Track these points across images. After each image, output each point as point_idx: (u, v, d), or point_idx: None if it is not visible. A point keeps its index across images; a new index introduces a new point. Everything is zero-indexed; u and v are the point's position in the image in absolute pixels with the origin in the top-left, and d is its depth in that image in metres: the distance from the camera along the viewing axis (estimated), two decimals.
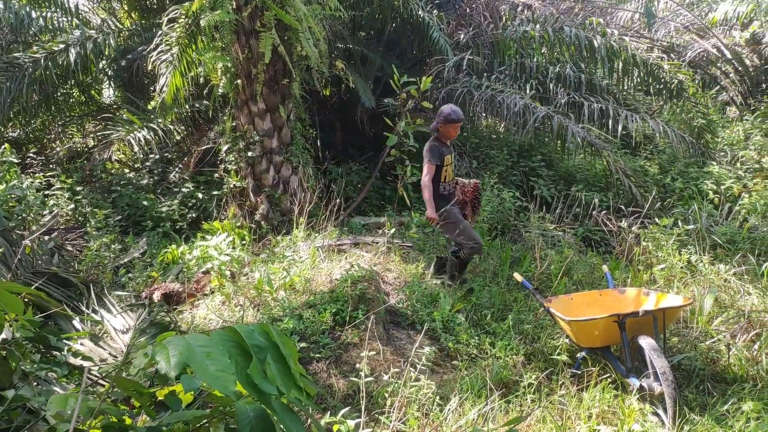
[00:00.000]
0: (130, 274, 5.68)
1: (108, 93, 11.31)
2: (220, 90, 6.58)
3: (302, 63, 6.73)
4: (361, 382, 2.72)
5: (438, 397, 3.01)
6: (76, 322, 4.11)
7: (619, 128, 7.79)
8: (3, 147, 7.32)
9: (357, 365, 3.21)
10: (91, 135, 10.73)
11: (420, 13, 8.72)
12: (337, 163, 8.94)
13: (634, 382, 3.33)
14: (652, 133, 8.99)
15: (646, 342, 3.22)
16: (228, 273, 4.62)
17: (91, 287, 4.70)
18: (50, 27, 8.76)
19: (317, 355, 3.43)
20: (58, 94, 9.52)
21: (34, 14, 8.81)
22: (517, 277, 4.18)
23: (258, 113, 6.68)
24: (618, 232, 6.38)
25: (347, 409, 2.63)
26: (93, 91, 10.73)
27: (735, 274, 4.95)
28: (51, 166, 8.67)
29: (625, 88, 10.05)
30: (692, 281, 4.95)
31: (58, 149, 10.20)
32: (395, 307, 4.15)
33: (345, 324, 3.68)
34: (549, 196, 7.65)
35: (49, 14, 8.78)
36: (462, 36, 9.13)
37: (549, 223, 6.75)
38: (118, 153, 10.43)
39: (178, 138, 9.19)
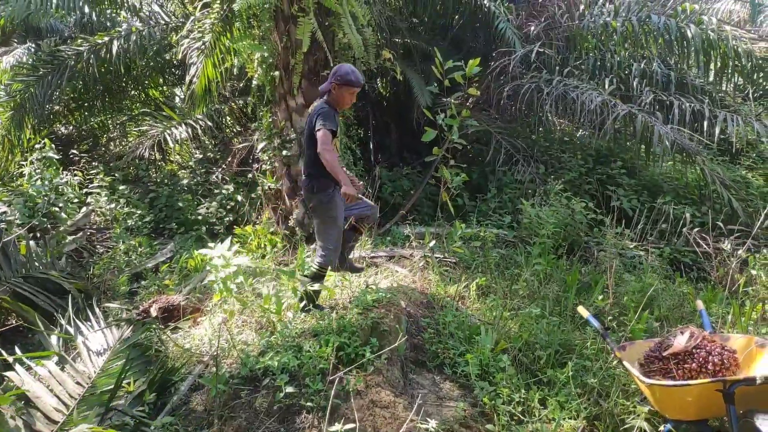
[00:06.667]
0: (144, 282, 5.18)
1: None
2: (254, 82, 5.99)
3: (345, 53, 6.05)
4: None
5: None
6: (56, 338, 3.58)
7: (716, 131, 6.57)
8: (43, 142, 7.10)
9: (357, 421, 2.43)
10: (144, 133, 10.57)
11: (486, 2, 7.87)
12: (389, 167, 8.20)
13: None
14: (757, 138, 7.68)
15: (767, 424, 2.23)
16: (233, 287, 3.95)
17: (86, 297, 4.19)
18: (103, 22, 8.60)
19: (308, 403, 2.67)
20: (114, 88, 9.34)
21: (87, 9, 8.66)
22: (582, 312, 3.26)
23: (296, 108, 6.05)
24: (715, 254, 5.24)
25: None
26: (151, 90, 10.55)
27: None
28: (94, 164, 8.43)
29: (724, 88, 8.71)
30: None
31: (112, 147, 10.08)
32: (422, 341, 3.33)
33: (351, 362, 2.89)
34: (630, 208, 6.54)
35: (103, 11, 8.63)
36: (533, 28, 8.16)
37: (628, 241, 5.68)
38: (173, 153, 10.22)
39: (230, 135, 8.79)
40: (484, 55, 8.68)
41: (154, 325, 3.68)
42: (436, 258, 4.52)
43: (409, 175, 7.94)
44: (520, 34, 7.92)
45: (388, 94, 9.56)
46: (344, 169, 3.79)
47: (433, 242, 4.58)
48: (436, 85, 6.91)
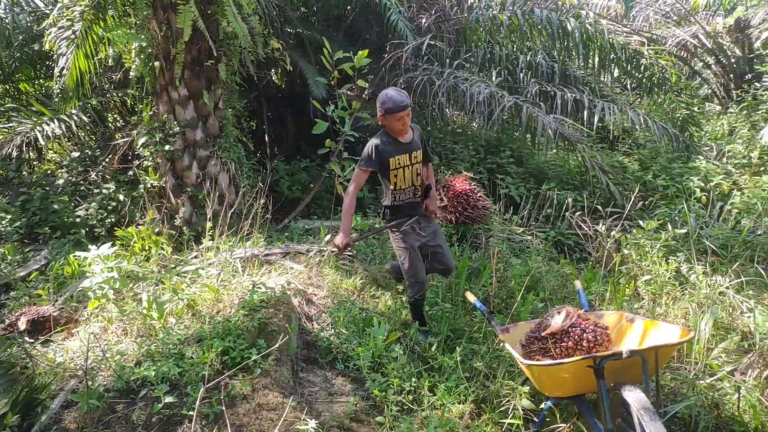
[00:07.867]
0: (13, 293, 4.72)
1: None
2: (132, 73, 5.61)
3: (231, 42, 5.81)
4: None
5: None
6: None
7: (596, 120, 6.99)
8: None
9: (244, 428, 2.32)
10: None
11: None
12: (286, 160, 8.02)
13: None
14: (631, 126, 8.26)
15: (633, 397, 2.36)
16: (111, 293, 3.68)
17: None
18: None
19: (190, 412, 2.52)
20: None
21: None
22: (469, 297, 3.32)
23: (179, 100, 5.74)
24: (594, 235, 5.58)
25: None
26: (23, 84, 9.62)
27: (731, 287, 4.15)
28: None
29: (603, 79, 9.30)
30: (683, 296, 4.14)
31: None
32: (314, 338, 3.26)
33: (236, 366, 2.77)
34: (517, 195, 6.82)
35: None
36: (424, 20, 8.27)
37: (516, 226, 5.92)
38: (51, 152, 9.40)
39: (112, 130, 8.19)
40: (378, 48, 8.71)
41: (20, 340, 3.34)
42: (333, 252, 4.46)
43: (308, 168, 7.81)
44: (412, 26, 7.99)
45: (283, 85, 9.34)
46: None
47: (329, 236, 4.52)
48: (332, 76, 6.81)
